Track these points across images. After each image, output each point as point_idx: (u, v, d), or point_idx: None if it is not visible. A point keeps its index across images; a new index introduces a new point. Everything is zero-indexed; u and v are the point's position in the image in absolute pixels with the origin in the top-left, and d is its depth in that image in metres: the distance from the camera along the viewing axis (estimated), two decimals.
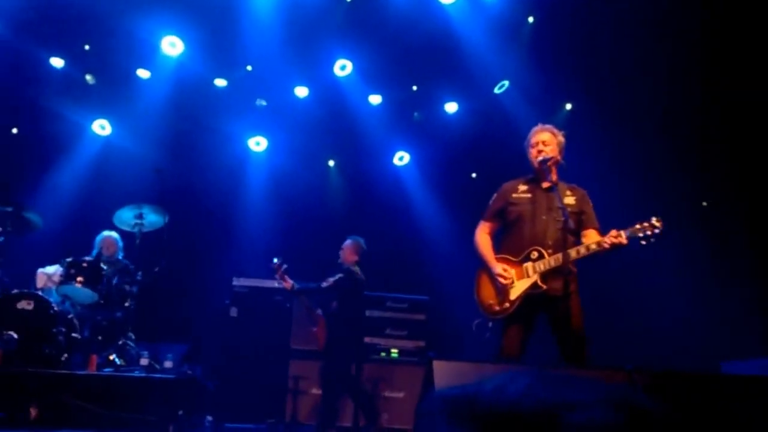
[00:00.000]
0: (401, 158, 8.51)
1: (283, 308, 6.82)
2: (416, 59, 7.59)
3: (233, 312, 6.67)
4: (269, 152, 8.22)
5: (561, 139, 4.06)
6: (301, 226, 7.77)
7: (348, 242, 6.29)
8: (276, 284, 6.64)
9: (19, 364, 5.13)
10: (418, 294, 7.07)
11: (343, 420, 6.31)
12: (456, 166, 8.28)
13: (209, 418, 5.97)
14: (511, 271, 3.89)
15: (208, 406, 6.02)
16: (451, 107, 8.21)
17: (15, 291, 5.50)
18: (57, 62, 7.42)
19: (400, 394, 6.52)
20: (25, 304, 5.36)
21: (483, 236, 4.14)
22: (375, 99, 8.12)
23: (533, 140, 4.06)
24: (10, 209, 5.73)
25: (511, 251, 3.96)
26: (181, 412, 5.10)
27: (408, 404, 6.38)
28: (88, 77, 7.49)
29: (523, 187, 4.05)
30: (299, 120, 7.99)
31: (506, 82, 7.80)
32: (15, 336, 5.20)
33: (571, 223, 3.72)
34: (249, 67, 7.70)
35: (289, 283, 6.12)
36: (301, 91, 7.94)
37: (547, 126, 4.11)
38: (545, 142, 4.00)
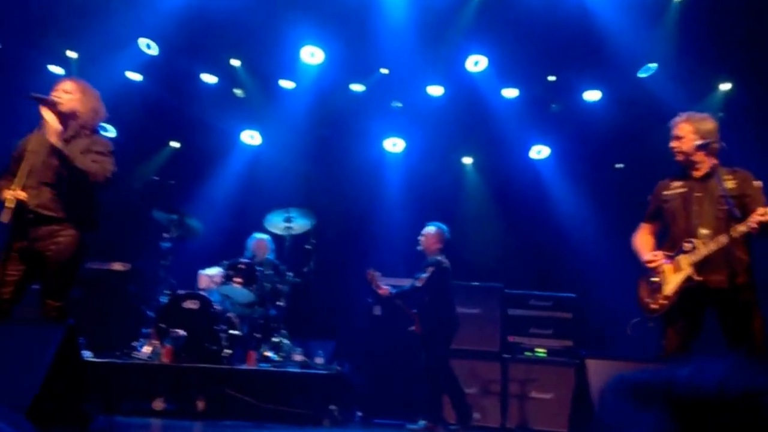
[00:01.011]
0: (539, 152, 8.27)
1: None
2: (552, 48, 7.32)
3: (377, 310, 6.79)
4: (406, 153, 8.32)
5: (707, 125, 3.73)
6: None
7: (431, 229, 6.11)
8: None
9: (186, 360, 5.56)
10: (563, 291, 6.83)
11: (489, 420, 6.24)
12: (598, 157, 7.90)
13: (359, 413, 6.15)
14: (664, 262, 3.69)
15: (357, 401, 6.19)
16: (591, 95, 7.85)
17: (181, 292, 5.99)
18: (209, 78, 8.01)
19: (549, 395, 6.31)
20: (190, 304, 5.81)
21: (640, 235, 3.99)
22: (510, 93, 7.96)
23: (671, 134, 3.83)
24: (174, 217, 6.26)
25: (667, 248, 3.77)
26: (333, 407, 5.29)
27: (557, 406, 6.17)
28: (237, 91, 8.03)
29: (676, 183, 3.81)
30: (434, 119, 8.00)
31: (653, 65, 7.32)
32: (183, 333, 5.66)
33: (736, 211, 3.42)
34: (384, 71, 7.85)
35: (384, 290, 6.08)
36: (435, 90, 7.96)
37: (684, 115, 3.81)
38: (677, 135, 3.77)
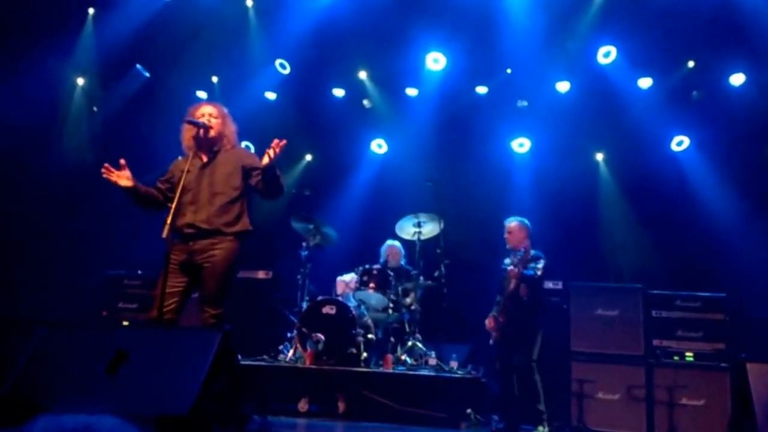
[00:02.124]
0: (680, 143, 7.78)
1: (560, 309, 6.68)
2: (690, 31, 6.87)
3: None
4: (533, 152, 8.16)
5: None
6: (572, 225, 7.54)
7: (515, 224, 5.85)
8: (551, 284, 6.56)
9: (326, 363, 5.80)
10: (711, 291, 6.37)
11: (634, 427, 5.95)
12: (745, 145, 7.30)
13: (495, 417, 6.11)
14: None
15: (494, 405, 6.15)
16: (736, 79, 7.28)
17: (320, 298, 6.28)
18: (338, 92, 8.35)
19: (700, 402, 5.91)
20: (328, 309, 6.07)
21: None
22: (645, 83, 7.57)
23: None
24: (311, 226, 6.58)
25: None
26: (469, 411, 5.30)
27: (710, 413, 5.77)
28: (365, 102, 8.29)
29: None
30: (562, 116, 7.78)
31: None
32: (322, 337, 5.92)
33: None
34: (508, 70, 7.76)
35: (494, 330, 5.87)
36: (563, 86, 7.75)
37: None
38: None
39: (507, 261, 5.84)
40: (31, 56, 7.09)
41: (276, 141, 3.91)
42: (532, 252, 5.60)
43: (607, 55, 7.46)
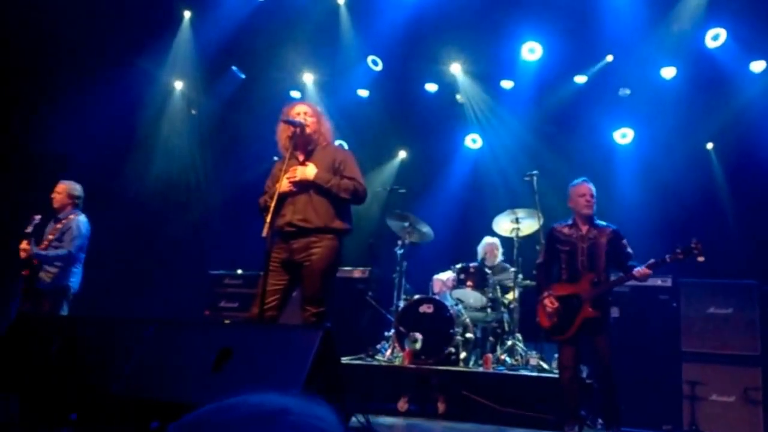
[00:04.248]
0: None
1: (669, 307, 6.35)
2: None
3: (614, 312, 6.44)
4: (637, 143, 7.78)
5: None
6: (681, 219, 7.14)
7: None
8: (659, 281, 6.24)
9: (424, 362, 5.75)
10: None
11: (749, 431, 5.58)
12: None
13: (600, 420, 5.89)
14: None
15: (600, 407, 5.92)
16: None
17: (417, 296, 6.24)
18: (431, 87, 8.28)
19: None
20: (426, 308, 6.01)
21: None
22: (757, 66, 7.06)
23: None
24: (406, 224, 6.56)
25: None
26: (583, 412, 5.10)
27: None
28: (458, 96, 8.19)
29: None
30: (668, 104, 7.37)
31: None
32: (420, 336, 5.89)
33: None
34: (609, 57, 7.43)
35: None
36: (668, 72, 7.34)
37: None
38: None
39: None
40: (128, 62, 7.38)
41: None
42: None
43: (715, 38, 7.04)
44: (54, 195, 5.63)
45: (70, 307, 5.57)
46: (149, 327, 3.43)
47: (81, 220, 5.60)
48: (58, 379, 3.24)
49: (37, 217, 5.39)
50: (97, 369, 3.28)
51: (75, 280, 5.56)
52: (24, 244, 5.26)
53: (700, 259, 4.68)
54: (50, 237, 5.48)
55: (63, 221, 5.55)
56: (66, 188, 5.66)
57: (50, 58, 6.71)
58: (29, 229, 5.30)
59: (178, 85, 8.39)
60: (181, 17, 7.88)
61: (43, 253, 5.37)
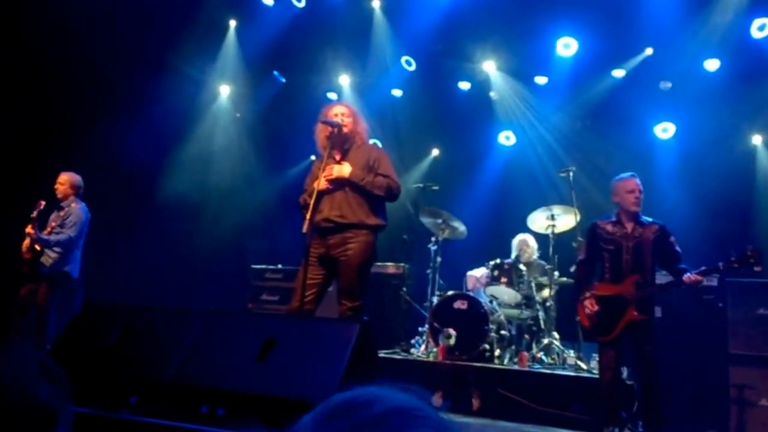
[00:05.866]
0: None
1: (716, 308, 6.11)
2: None
3: (657, 312, 6.23)
4: (678, 137, 7.56)
5: None
6: (727, 216, 6.89)
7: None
8: (705, 281, 6.00)
9: (458, 358, 5.69)
10: None
11: None
12: None
13: (641, 423, 5.69)
14: None
15: (642, 410, 5.72)
16: None
17: (451, 292, 6.17)
18: (464, 85, 8.24)
19: None
20: (460, 304, 5.95)
21: None
22: None
23: None
24: (440, 221, 6.50)
25: None
26: (624, 414, 4.93)
27: None
28: (491, 94, 8.13)
29: None
30: (711, 97, 7.14)
31: None
32: (453, 332, 5.80)
33: None
34: (649, 50, 7.25)
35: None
36: (712, 64, 7.11)
37: None
38: None
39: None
40: (177, 69, 7.73)
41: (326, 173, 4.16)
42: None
43: (762, 28, 6.83)
44: (57, 186, 5.97)
45: (84, 294, 5.86)
46: (197, 317, 3.56)
47: (81, 207, 5.94)
48: (118, 365, 3.43)
49: (43, 203, 5.72)
50: (151, 357, 3.43)
51: (73, 266, 5.87)
52: (29, 228, 5.58)
53: (757, 268, 4.41)
54: (53, 224, 5.83)
55: (65, 209, 5.90)
56: (68, 179, 6.00)
57: (112, 68, 7.05)
58: (34, 214, 5.62)
59: (225, 90, 8.78)
60: (227, 26, 8.30)
61: (46, 237, 5.70)
